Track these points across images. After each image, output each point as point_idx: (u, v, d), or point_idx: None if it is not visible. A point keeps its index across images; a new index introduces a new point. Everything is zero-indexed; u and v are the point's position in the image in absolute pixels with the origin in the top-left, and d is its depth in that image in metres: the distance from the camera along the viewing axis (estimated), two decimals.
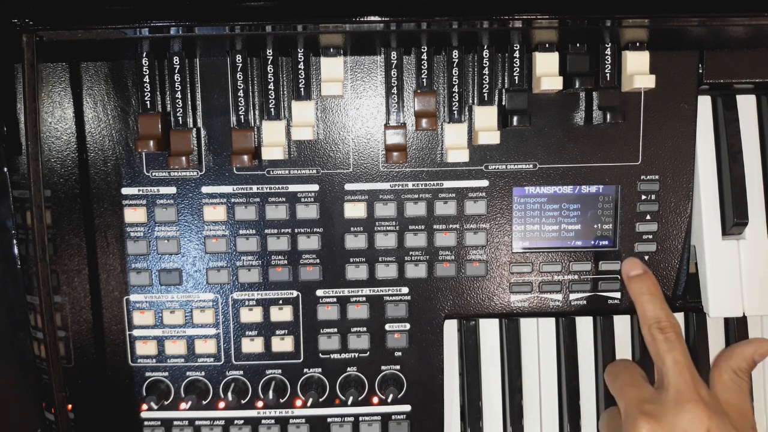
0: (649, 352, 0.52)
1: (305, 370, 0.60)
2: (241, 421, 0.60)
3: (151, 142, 0.53)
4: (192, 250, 0.58)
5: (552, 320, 0.62)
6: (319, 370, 0.60)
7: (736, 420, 0.47)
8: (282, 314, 0.59)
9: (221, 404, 0.60)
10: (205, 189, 0.58)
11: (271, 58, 0.55)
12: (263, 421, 0.60)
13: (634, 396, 0.49)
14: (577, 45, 0.55)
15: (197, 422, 0.60)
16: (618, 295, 0.60)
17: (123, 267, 0.58)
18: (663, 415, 0.46)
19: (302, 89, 0.55)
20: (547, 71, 0.55)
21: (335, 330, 0.60)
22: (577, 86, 0.54)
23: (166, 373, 0.59)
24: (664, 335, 0.50)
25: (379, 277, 0.59)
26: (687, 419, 0.45)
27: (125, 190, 0.57)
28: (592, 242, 0.60)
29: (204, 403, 0.59)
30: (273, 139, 0.55)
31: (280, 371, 0.60)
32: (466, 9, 0.48)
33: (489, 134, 0.55)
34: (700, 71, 0.58)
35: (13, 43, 0.48)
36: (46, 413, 0.56)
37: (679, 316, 0.61)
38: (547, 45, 0.55)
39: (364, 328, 0.60)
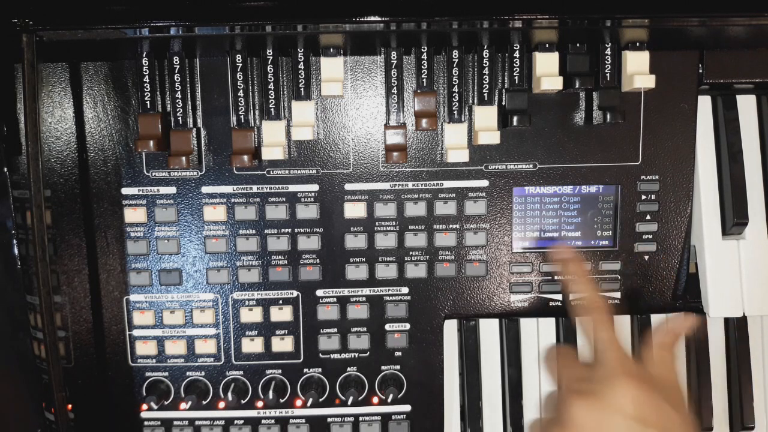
0: (583, 332, 0.55)
1: (305, 370, 0.60)
2: (241, 421, 0.60)
3: (151, 142, 0.53)
4: (192, 250, 0.58)
5: (552, 320, 0.62)
6: (319, 370, 0.60)
7: (666, 391, 0.49)
8: (282, 314, 0.59)
9: (221, 404, 0.60)
10: (205, 189, 0.58)
11: (271, 58, 0.55)
12: (263, 421, 0.60)
13: (568, 376, 0.53)
14: (577, 45, 0.55)
15: (197, 422, 0.60)
16: (618, 295, 0.60)
17: (123, 267, 0.58)
18: (594, 391, 0.49)
19: (302, 89, 0.55)
20: (547, 71, 0.55)
21: (335, 330, 0.60)
22: (577, 86, 0.54)
23: (166, 373, 0.59)
24: (594, 315, 0.53)
25: (379, 277, 0.59)
26: (616, 392, 0.47)
27: (125, 190, 0.57)
28: (592, 242, 0.60)
29: (204, 403, 0.59)
30: (273, 139, 0.55)
31: (280, 371, 0.60)
32: (466, 9, 0.48)
33: (489, 134, 0.55)
34: (700, 71, 0.58)
35: (13, 43, 0.48)
36: (46, 413, 0.56)
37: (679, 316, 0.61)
38: (547, 45, 0.55)
39: (364, 328, 0.60)
